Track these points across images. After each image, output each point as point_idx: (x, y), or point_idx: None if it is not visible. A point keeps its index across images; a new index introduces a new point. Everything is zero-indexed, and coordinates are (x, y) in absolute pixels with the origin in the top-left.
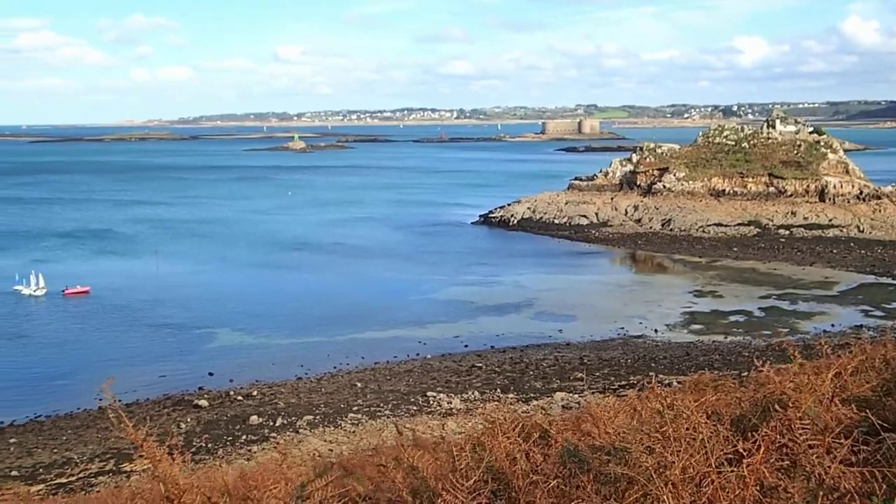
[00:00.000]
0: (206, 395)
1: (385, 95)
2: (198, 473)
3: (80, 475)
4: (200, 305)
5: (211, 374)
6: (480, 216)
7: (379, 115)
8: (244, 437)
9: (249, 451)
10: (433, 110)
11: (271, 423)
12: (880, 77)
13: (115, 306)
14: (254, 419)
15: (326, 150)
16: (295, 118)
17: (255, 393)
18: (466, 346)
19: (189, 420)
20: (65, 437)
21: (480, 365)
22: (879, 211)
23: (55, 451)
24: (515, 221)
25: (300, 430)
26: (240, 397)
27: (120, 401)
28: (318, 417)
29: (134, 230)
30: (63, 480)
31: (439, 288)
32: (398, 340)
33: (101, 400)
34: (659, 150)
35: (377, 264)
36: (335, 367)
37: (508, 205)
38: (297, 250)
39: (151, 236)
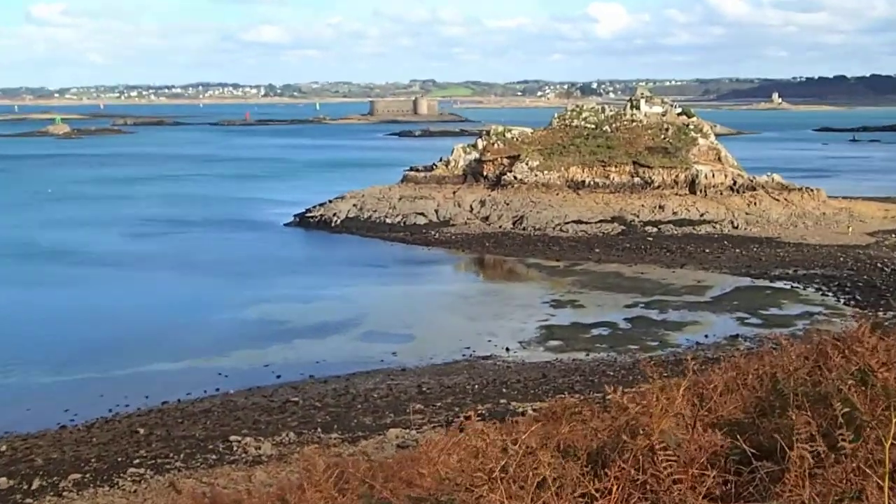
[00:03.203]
0: None
1: (175, 67)
2: None
3: None
4: None
5: None
6: (296, 216)
7: (167, 91)
8: None
9: None
10: (236, 86)
11: (25, 487)
12: (751, 52)
13: None
14: (2, 482)
15: (98, 135)
16: (56, 95)
17: (3, 448)
18: (279, 376)
19: None
20: None
21: (297, 399)
22: (754, 204)
23: None
24: (339, 222)
25: (64, 494)
26: None
27: None
28: (88, 476)
29: None
30: None
31: (244, 305)
32: (192, 373)
33: None
34: (508, 135)
35: (164, 277)
36: (110, 411)
37: (330, 201)
38: (57, 261)
39: None
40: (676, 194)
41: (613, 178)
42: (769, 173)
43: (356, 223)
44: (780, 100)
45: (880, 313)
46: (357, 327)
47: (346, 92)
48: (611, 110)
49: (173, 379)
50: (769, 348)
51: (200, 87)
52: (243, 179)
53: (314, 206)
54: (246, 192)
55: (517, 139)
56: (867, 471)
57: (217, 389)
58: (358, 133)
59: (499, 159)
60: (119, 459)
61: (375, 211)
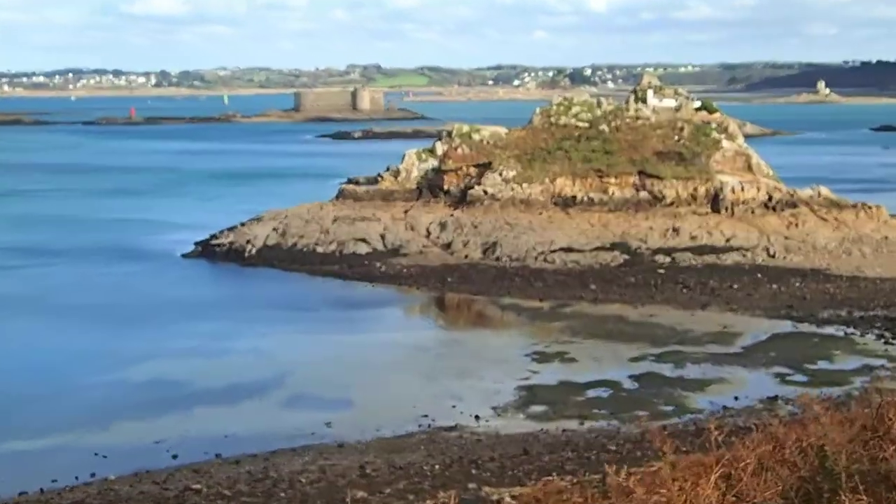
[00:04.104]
0: None
1: (37, 49)
2: None
3: None
4: None
5: None
6: (197, 244)
7: (26, 80)
8: None
9: None
10: (118, 73)
11: None
12: (790, 29)
13: None
14: None
15: None
16: None
17: None
18: (175, 456)
19: None
20: None
21: (199, 486)
22: (796, 225)
23: None
24: (254, 251)
25: None
26: None
27: None
28: None
29: None
30: None
31: (129, 363)
32: (60, 453)
33: None
34: (477, 136)
35: (18, 326)
36: None
37: (243, 224)
38: None
39: None
40: (695, 213)
41: (613, 193)
42: (814, 185)
43: (277, 253)
44: (827, 90)
45: None
46: (279, 390)
47: (263, 81)
48: (609, 104)
49: (34, 461)
50: (816, 414)
51: (71, 76)
52: (126, 196)
53: (222, 231)
54: (130, 212)
55: (488, 142)
56: None
57: (92, 475)
58: (279, 134)
59: (464, 168)
60: None
61: (302, 237)
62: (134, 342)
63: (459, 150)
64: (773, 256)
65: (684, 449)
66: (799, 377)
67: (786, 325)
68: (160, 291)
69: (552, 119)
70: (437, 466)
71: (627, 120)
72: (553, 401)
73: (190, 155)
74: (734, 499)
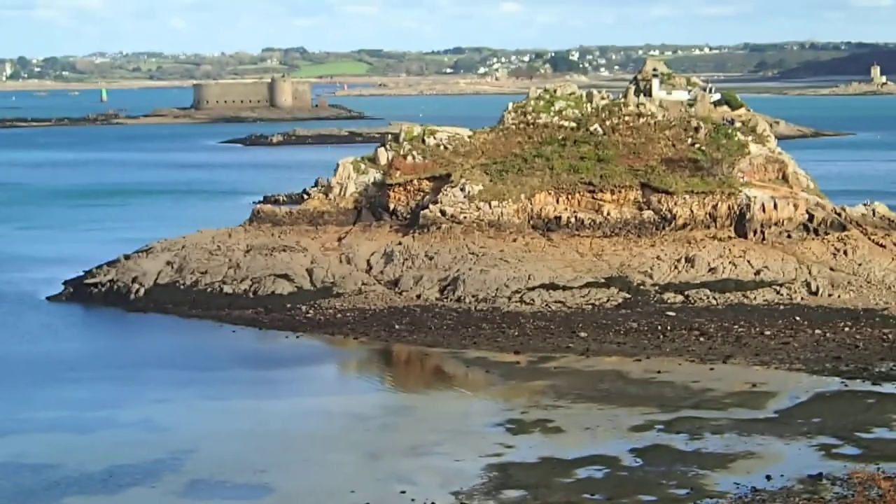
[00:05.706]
0: None
1: None
2: None
3: None
4: None
5: None
6: (68, 283)
7: None
8: None
9: None
10: None
11: None
12: (832, 1)
13: None
14: None
15: None
16: None
17: None
18: None
19: None
20: None
21: None
22: (845, 252)
23: None
24: (143, 292)
25: None
26: None
27: None
28: None
29: None
30: None
31: None
32: None
33: None
34: (432, 141)
35: None
36: None
37: (127, 258)
38: None
39: None
40: (714, 238)
41: (609, 213)
42: (868, 201)
43: (172, 294)
44: (883, 77)
45: None
46: (175, 474)
47: (153, 71)
48: (603, 98)
49: None
50: (872, 497)
51: None
52: None
53: (99, 267)
54: None
55: (446, 147)
56: None
57: None
58: (174, 140)
59: (415, 182)
60: None
61: (205, 273)
62: None
63: (409, 159)
64: (816, 293)
65: None
66: (849, 450)
67: (833, 383)
68: (17, 346)
69: (529, 117)
70: None
71: (627, 118)
72: (532, 483)
73: (51, 167)
74: None
